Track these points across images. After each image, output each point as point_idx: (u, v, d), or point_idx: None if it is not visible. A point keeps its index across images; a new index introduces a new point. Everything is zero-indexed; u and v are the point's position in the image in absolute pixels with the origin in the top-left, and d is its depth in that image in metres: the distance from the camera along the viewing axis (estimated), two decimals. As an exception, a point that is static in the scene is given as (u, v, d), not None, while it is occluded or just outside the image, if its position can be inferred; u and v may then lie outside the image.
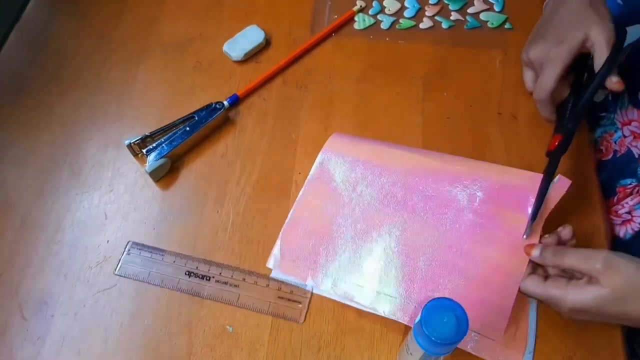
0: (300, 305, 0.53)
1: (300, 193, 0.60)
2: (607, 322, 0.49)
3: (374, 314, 0.53)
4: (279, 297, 0.54)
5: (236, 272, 0.56)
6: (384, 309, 0.53)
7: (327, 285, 0.55)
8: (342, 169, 0.60)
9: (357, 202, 0.58)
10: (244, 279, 0.55)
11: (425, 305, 0.41)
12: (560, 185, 0.54)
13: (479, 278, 0.52)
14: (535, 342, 0.52)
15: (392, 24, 0.74)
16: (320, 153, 0.62)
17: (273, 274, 0.56)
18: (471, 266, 0.53)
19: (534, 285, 0.49)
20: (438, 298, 0.41)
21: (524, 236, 0.52)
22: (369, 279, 0.54)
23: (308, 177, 0.61)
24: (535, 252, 0.50)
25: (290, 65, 0.70)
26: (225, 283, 0.55)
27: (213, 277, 0.56)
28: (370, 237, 0.56)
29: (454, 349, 0.43)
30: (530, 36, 0.64)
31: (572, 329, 0.53)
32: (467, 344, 0.50)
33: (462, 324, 0.40)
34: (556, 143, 0.56)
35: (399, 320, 0.52)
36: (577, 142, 0.63)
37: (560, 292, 0.47)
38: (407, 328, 0.53)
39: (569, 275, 0.49)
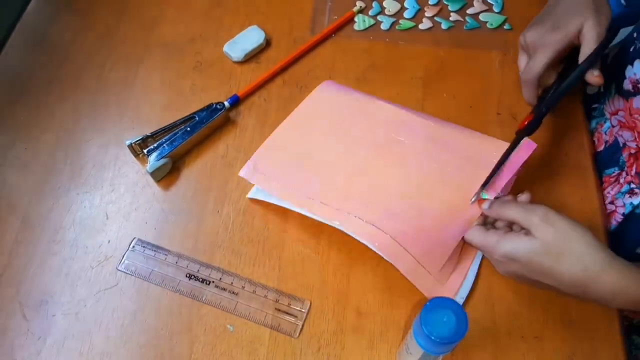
0: (296, 319, 0.54)
1: (285, 121, 0.62)
2: (532, 277, 0.49)
3: (373, 314, 0.54)
4: (276, 309, 0.54)
5: (236, 278, 0.56)
6: (347, 226, 0.54)
7: (291, 194, 0.57)
8: (331, 107, 0.64)
9: (335, 137, 0.61)
10: (243, 287, 0.55)
11: (425, 304, 0.41)
12: (527, 147, 0.57)
13: (432, 215, 0.56)
14: (469, 293, 0.54)
15: (392, 24, 0.74)
16: (315, 90, 0.65)
17: (250, 194, 0.60)
18: (428, 203, 0.56)
19: (475, 234, 0.52)
20: (438, 298, 0.41)
21: (471, 200, 0.55)
22: (331, 194, 0.57)
23: (297, 107, 0.63)
24: (484, 205, 0.54)
25: (290, 66, 0.71)
26: (224, 289, 0.55)
27: (213, 281, 0.56)
28: (345, 154, 0.60)
29: (454, 348, 0.44)
30: (531, 21, 0.64)
31: (572, 328, 0.53)
32: (403, 265, 0.53)
33: (461, 324, 0.40)
34: (525, 122, 0.58)
35: (356, 237, 0.53)
36: (576, 134, 0.64)
37: (496, 239, 0.50)
38: (407, 327, 0.53)
39: (511, 229, 0.52)
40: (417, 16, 0.75)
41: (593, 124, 0.66)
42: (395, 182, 0.58)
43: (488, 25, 0.74)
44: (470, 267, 0.56)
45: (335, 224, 0.54)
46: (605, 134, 0.63)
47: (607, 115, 0.63)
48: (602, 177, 0.62)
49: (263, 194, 0.59)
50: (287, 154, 0.60)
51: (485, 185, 0.55)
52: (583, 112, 0.66)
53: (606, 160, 0.62)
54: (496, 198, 0.55)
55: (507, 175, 0.56)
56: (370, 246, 0.53)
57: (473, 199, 0.55)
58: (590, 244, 0.47)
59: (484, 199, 0.55)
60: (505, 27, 0.74)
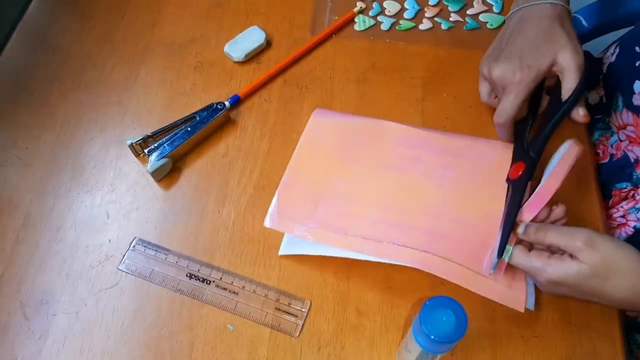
0: (296, 318, 0.54)
1: (293, 157, 0.61)
2: (580, 297, 0.49)
3: (373, 314, 0.54)
4: (277, 309, 0.54)
5: (237, 278, 0.56)
6: (397, 258, 0.53)
7: (327, 241, 0.55)
8: (335, 132, 0.63)
9: (350, 161, 0.60)
10: (243, 287, 0.56)
11: (425, 304, 0.41)
12: (571, 151, 0.53)
13: (468, 224, 0.55)
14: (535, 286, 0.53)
15: (392, 25, 0.75)
16: (309, 122, 0.63)
17: (281, 252, 0.57)
18: (462, 214, 0.56)
19: (518, 256, 0.50)
20: (437, 297, 0.41)
21: (491, 271, 0.51)
22: (373, 229, 0.55)
23: (300, 140, 0.62)
24: (520, 229, 0.52)
25: (290, 66, 0.71)
26: (225, 289, 0.56)
27: (213, 281, 0.56)
28: (365, 192, 0.58)
29: (454, 347, 0.44)
30: (490, 48, 0.62)
31: (572, 328, 0.53)
32: (467, 281, 0.52)
33: (461, 323, 0.40)
34: (519, 172, 0.55)
35: (410, 266, 0.53)
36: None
37: (542, 263, 0.48)
38: (407, 327, 0.53)
39: (551, 251, 0.50)
40: (417, 17, 0.75)
41: (596, 135, 0.66)
42: (425, 199, 0.57)
43: (488, 26, 0.74)
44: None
45: (385, 259, 0.53)
46: (612, 147, 0.63)
47: (614, 129, 0.63)
48: (610, 190, 0.62)
49: (296, 245, 0.57)
50: (306, 192, 0.58)
51: (500, 254, 0.51)
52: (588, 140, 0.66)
53: (615, 173, 0.62)
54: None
55: (557, 184, 0.53)
56: (428, 270, 0.52)
57: (492, 270, 0.51)
58: (636, 262, 0.47)
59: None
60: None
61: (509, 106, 0.56)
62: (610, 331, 0.53)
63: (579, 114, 0.56)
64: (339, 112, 0.66)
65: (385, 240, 0.54)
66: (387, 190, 0.58)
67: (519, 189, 0.54)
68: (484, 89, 0.63)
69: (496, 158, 0.59)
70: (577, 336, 0.53)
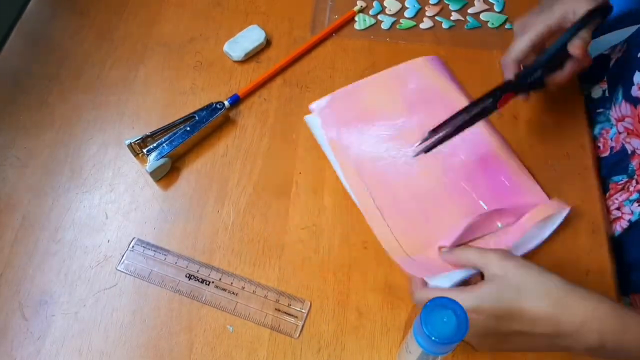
0: (296, 319, 0.53)
1: (371, 77, 0.68)
2: (508, 337, 0.46)
3: (374, 314, 0.54)
4: (276, 310, 0.54)
5: (236, 279, 0.56)
6: (355, 194, 0.60)
7: (337, 146, 0.63)
8: (419, 83, 0.67)
9: (408, 110, 0.65)
10: (242, 287, 0.55)
11: (425, 304, 0.41)
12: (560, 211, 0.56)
13: (430, 218, 0.58)
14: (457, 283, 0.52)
15: (393, 24, 0.74)
16: (410, 62, 0.69)
17: (308, 117, 0.65)
18: (433, 211, 0.59)
19: (438, 291, 0.49)
20: (438, 298, 0.41)
21: (414, 148, 0.56)
22: (366, 167, 0.61)
23: (391, 69, 0.68)
24: (443, 253, 0.53)
25: (290, 66, 0.71)
26: (224, 290, 0.55)
27: (213, 282, 0.56)
28: (394, 139, 0.63)
29: (454, 348, 0.43)
30: None
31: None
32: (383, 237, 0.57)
33: (462, 324, 0.40)
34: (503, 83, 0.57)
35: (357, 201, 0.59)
36: (578, 136, 0.64)
37: (456, 294, 0.46)
38: (407, 328, 0.53)
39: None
40: (418, 15, 0.75)
41: (597, 129, 0.65)
42: (419, 182, 0.61)
43: (489, 25, 0.74)
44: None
45: (353, 196, 0.60)
46: (611, 140, 0.62)
47: (613, 122, 0.62)
48: (608, 184, 0.62)
49: (317, 129, 0.64)
50: (356, 110, 0.65)
51: (434, 131, 0.54)
52: (585, 113, 0.66)
53: (612, 166, 0.62)
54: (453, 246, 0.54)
55: (518, 232, 0.55)
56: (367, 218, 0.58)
57: (417, 145, 0.55)
58: (547, 274, 0.45)
59: (441, 247, 0.54)
60: (506, 26, 0.74)
61: (515, 47, 0.58)
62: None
63: (574, 44, 0.55)
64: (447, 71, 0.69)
65: (364, 184, 0.60)
66: (400, 155, 0.62)
67: (479, 101, 0.56)
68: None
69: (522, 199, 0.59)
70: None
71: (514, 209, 0.57)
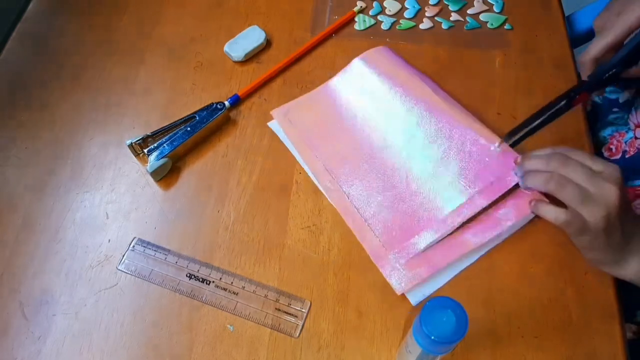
0: (296, 319, 0.54)
1: (327, 84, 0.68)
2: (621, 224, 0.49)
3: (373, 314, 0.54)
4: (276, 309, 0.54)
5: (236, 278, 0.56)
6: (333, 196, 0.60)
7: (305, 152, 0.63)
8: (373, 77, 0.67)
9: (369, 105, 0.65)
10: (243, 287, 0.55)
11: (425, 304, 0.41)
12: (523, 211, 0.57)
13: (410, 207, 0.59)
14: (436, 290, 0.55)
15: (393, 24, 0.74)
16: (358, 59, 0.68)
17: (271, 123, 0.66)
18: (410, 196, 0.59)
19: (568, 191, 0.50)
20: (438, 297, 0.41)
21: (495, 146, 0.58)
22: (339, 168, 0.61)
23: (338, 74, 0.68)
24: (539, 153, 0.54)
25: (290, 66, 0.71)
26: (225, 289, 0.55)
27: (213, 281, 0.56)
28: (363, 133, 0.64)
29: (454, 348, 0.44)
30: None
31: (572, 328, 0.53)
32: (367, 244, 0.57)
33: (461, 324, 0.40)
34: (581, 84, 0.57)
35: (337, 208, 0.59)
36: (577, 140, 0.63)
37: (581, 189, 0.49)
38: (407, 327, 0.53)
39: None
40: (418, 16, 0.75)
41: (609, 130, 0.65)
42: (391, 167, 0.61)
43: (489, 25, 0.74)
44: (444, 272, 0.55)
45: (322, 189, 0.61)
46: (626, 144, 0.62)
47: (632, 126, 0.62)
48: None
49: (281, 132, 0.65)
50: (314, 114, 0.65)
51: (510, 135, 0.57)
52: (584, 113, 0.66)
53: (628, 170, 0.61)
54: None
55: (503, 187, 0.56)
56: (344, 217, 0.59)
57: (497, 144, 0.57)
58: None
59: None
60: (505, 27, 0.74)
61: (593, 47, 0.57)
62: (611, 332, 0.53)
63: None
64: (392, 55, 0.69)
65: (336, 179, 0.61)
66: (368, 145, 0.63)
67: (557, 101, 0.56)
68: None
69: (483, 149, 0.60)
70: (577, 336, 0.52)
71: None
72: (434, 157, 0.60)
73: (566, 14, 0.77)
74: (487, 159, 0.58)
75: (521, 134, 0.56)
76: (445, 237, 0.56)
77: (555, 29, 0.74)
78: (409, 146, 0.61)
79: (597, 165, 0.50)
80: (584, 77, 0.59)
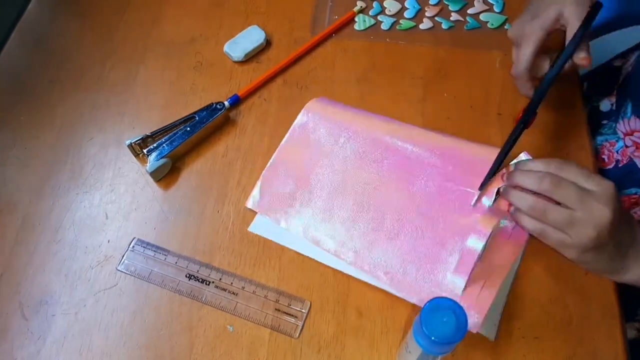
0: (296, 319, 0.53)
1: (283, 140, 0.63)
2: (616, 241, 0.49)
3: (374, 315, 0.54)
4: (276, 310, 0.54)
5: (236, 279, 0.56)
6: (347, 257, 0.56)
7: (298, 229, 0.58)
8: (326, 125, 0.64)
9: (337, 155, 0.62)
10: (243, 287, 0.55)
11: (425, 305, 0.41)
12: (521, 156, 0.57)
13: (438, 240, 0.56)
14: (501, 317, 0.53)
15: (393, 24, 0.74)
16: (303, 110, 0.65)
17: (251, 227, 0.59)
18: (432, 227, 0.57)
19: (551, 211, 0.50)
20: (438, 298, 0.41)
21: (472, 203, 0.56)
22: (337, 229, 0.57)
23: (292, 125, 0.64)
24: (530, 180, 0.52)
25: (290, 66, 0.71)
26: (224, 290, 0.55)
27: (213, 282, 0.56)
28: (345, 189, 0.60)
29: (454, 348, 0.43)
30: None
31: (572, 328, 0.53)
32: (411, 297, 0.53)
33: (461, 324, 0.40)
34: (520, 115, 0.56)
35: (359, 269, 0.55)
36: (577, 140, 0.63)
37: (568, 213, 0.49)
38: (407, 328, 0.53)
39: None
40: (418, 16, 0.75)
41: (600, 139, 0.65)
42: (397, 211, 0.58)
43: (489, 25, 0.74)
44: (499, 288, 0.53)
45: (340, 264, 0.56)
46: (617, 153, 0.63)
47: (620, 135, 0.63)
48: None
49: (266, 229, 0.59)
50: (287, 180, 0.61)
51: (483, 186, 0.56)
52: (584, 114, 0.66)
53: (621, 179, 0.62)
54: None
55: (499, 178, 0.56)
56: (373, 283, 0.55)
57: (473, 202, 0.56)
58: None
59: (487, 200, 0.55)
60: (505, 27, 0.74)
61: (520, 57, 0.58)
62: (612, 332, 0.53)
63: (579, 56, 0.55)
64: (333, 101, 0.66)
65: (344, 245, 0.57)
66: (357, 191, 0.59)
67: (515, 130, 0.56)
68: (513, 54, 0.62)
69: (482, 164, 0.58)
70: (578, 337, 0.52)
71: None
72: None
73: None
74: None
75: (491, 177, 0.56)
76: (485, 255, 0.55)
77: (555, 29, 0.74)
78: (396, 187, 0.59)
79: (589, 183, 0.49)
80: (525, 92, 0.60)
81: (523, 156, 0.57)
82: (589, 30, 0.55)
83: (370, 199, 0.59)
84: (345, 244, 0.57)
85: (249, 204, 0.60)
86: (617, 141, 0.63)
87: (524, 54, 0.58)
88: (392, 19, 0.75)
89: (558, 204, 0.50)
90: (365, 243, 0.56)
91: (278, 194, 0.60)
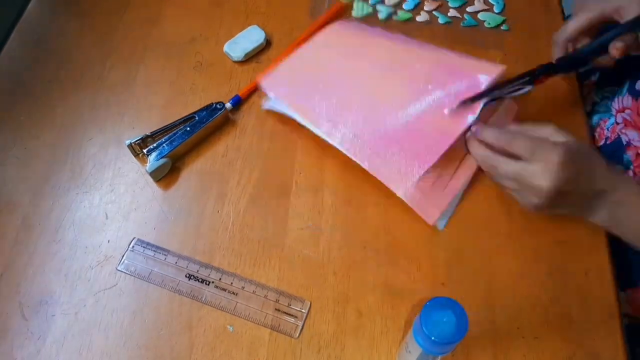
0: (296, 319, 0.54)
1: (303, 47, 0.69)
2: (579, 198, 0.52)
3: (373, 315, 0.54)
4: (276, 310, 0.54)
5: (236, 279, 0.56)
6: (336, 140, 0.60)
7: (299, 105, 0.63)
8: (345, 38, 0.70)
9: (350, 58, 0.67)
10: (242, 287, 0.55)
11: (425, 304, 0.41)
12: (510, 107, 0.61)
13: (420, 128, 0.59)
14: (453, 211, 0.59)
15: (389, 15, 0.75)
16: (327, 27, 0.71)
17: (265, 105, 0.66)
18: (417, 119, 0.60)
19: (508, 163, 0.53)
20: (438, 298, 0.41)
21: (445, 110, 0.59)
22: (332, 112, 0.62)
23: (313, 38, 0.70)
24: (487, 133, 0.56)
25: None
26: (224, 290, 0.55)
27: (212, 282, 0.56)
28: (348, 81, 0.65)
29: (454, 348, 0.43)
30: None
31: (572, 328, 0.53)
32: (384, 177, 0.58)
33: (461, 324, 0.40)
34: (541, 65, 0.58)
35: (345, 152, 0.59)
36: (576, 130, 0.64)
37: (525, 161, 0.52)
38: (407, 328, 0.53)
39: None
40: (416, 8, 0.76)
41: (596, 118, 0.66)
42: (389, 103, 0.62)
43: (485, 25, 0.74)
44: (460, 188, 0.60)
45: (332, 141, 0.60)
46: (607, 130, 0.63)
47: (613, 112, 0.63)
48: None
49: (277, 105, 0.64)
50: (303, 75, 0.66)
51: (466, 102, 0.58)
52: (582, 103, 0.66)
53: (608, 157, 0.62)
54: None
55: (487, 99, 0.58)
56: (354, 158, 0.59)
57: (447, 110, 0.59)
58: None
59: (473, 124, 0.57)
60: (502, 27, 0.74)
61: (567, 26, 0.59)
62: (611, 332, 0.53)
63: (614, 45, 0.55)
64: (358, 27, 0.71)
65: (339, 127, 0.61)
66: (364, 89, 0.64)
67: (524, 74, 0.57)
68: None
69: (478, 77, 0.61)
70: (578, 337, 0.52)
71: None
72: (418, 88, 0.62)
73: (566, 14, 0.77)
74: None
75: (479, 99, 0.58)
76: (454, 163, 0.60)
77: (555, 29, 0.73)
78: (398, 85, 0.63)
79: (540, 150, 0.51)
80: (555, 58, 0.60)
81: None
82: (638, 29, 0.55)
83: (367, 90, 0.63)
84: (337, 125, 0.61)
85: (264, 82, 0.66)
86: (609, 118, 0.64)
87: (571, 24, 0.59)
88: (390, 9, 0.75)
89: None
90: (355, 127, 0.60)
91: (290, 80, 0.66)
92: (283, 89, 0.65)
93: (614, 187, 0.51)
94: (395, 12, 0.75)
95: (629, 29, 0.54)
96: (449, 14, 0.75)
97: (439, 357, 0.48)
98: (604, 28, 0.58)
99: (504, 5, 0.76)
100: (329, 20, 0.73)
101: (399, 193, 0.57)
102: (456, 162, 0.60)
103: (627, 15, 0.55)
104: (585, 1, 0.60)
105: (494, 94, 0.58)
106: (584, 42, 0.59)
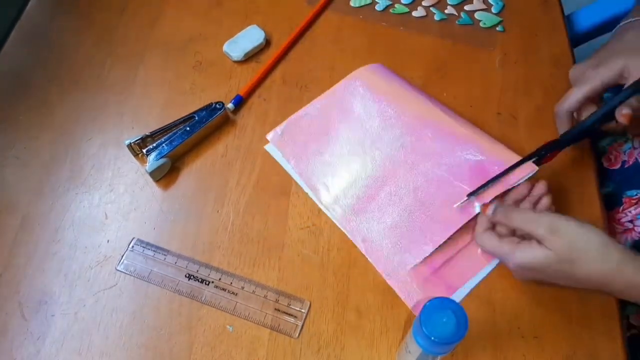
0: (295, 319, 0.54)
1: (321, 97, 0.67)
2: (550, 280, 0.50)
3: (373, 314, 0.54)
4: (276, 309, 0.54)
5: (236, 278, 0.56)
6: (335, 213, 0.59)
7: (302, 170, 0.62)
8: (364, 94, 0.66)
9: (362, 122, 0.64)
10: (242, 287, 0.55)
11: (425, 305, 0.41)
12: (526, 168, 0.57)
13: (420, 225, 0.57)
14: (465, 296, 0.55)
15: (387, 7, 0.75)
16: (351, 75, 0.67)
17: (267, 147, 0.64)
18: (420, 212, 0.58)
19: (489, 239, 0.53)
20: (438, 298, 0.41)
21: (455, 205, 0.56)
22: (336, 184, 0.61)
23: (333, 87, 0.67)
24: (489, 210, 0.54)
25: (291, 62, 0.71)
26: (224, 290, 0.55)
27: (212, 282, 0.56)
28: (356, 153, 0.62)
29: (454, 348, 0.43)
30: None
31: (572, 328, 0.53)
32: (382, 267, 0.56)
33: (461, 324, 0.40)
34: (545, 144, 0.57)
35: (342, 228, 0.58)
36: (579, 151, 0.63)
37: (510, 248, 0.51)
38: (407, 328, 0.53)
39: (521, 236, 0.53)
40: (414, 3, 0.76)
41: (608, 140, 0.65)
42: (394, 185, 0.60)
43: (481, 24, 0.74)
44: (478, 272, 0.56)
45: (329, 213, 0.59)
46: (624, 154, 0.62)
47: (629, 136, 0.62)
48: (620, 197, 0.61)
49: (278, 155, 0.63)
50: (311, 132, 0.64)
51: (473, 193, 0.56)
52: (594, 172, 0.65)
53: (626, 180, 0.61)
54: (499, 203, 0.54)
55: (499, 189, 0.56)
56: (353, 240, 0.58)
57: (457, 204, 0.56)
58: (601, 244, 0.47)
59: (487, 204, 0.55)
60: (497, 28, 0.74)
61: (570, 97, 0.58)
62: (611, 331, 0.53)
63: (621, 111, 0.54)
64: (387, 71, 0.68)
65: (338, 200, 0.60)
66: (369, 164, 0.62)
67: (531, 154, 0.57)
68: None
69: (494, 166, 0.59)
70: (577, 336, 0.52)
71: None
72: (431, 168, 0.60)
73: (566, 14, 0.77)
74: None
75: (488, 186, 0.56)
76: (457, 253, 0.57)
77: (555, 29, 0.74)
78: (403, 160, 0.61)
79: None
80: (560, 132, 0.60)
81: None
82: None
83: (375, 167, 0.61)
84: (338, 200, 0.59)
85: (270, 135, 0.64)
86: (625, 142, 0.63)
87: (574, 95, 0.58)
88: (388, 2, 0.75)
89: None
90: (355, 206, 0.59)
91: (298, 138, 0.64)
92: (289, 149, 0.63)
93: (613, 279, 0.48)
94: (392, 5, 0.75)
95: (633, 92, 0.53)
96: (445, 11, 0.75)
97: (439, 357, 0.48)
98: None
99: (503, 5, 0.76)
100: (324, 6, 0.74)
101: (386, 278, 0.56)
102: (455, 251, 0.57)
103: (633, 72, 0.54)
104: (582, 71, 0.59)
105: (499, 181, 0.56)
106: (589, 109, 0.58)
